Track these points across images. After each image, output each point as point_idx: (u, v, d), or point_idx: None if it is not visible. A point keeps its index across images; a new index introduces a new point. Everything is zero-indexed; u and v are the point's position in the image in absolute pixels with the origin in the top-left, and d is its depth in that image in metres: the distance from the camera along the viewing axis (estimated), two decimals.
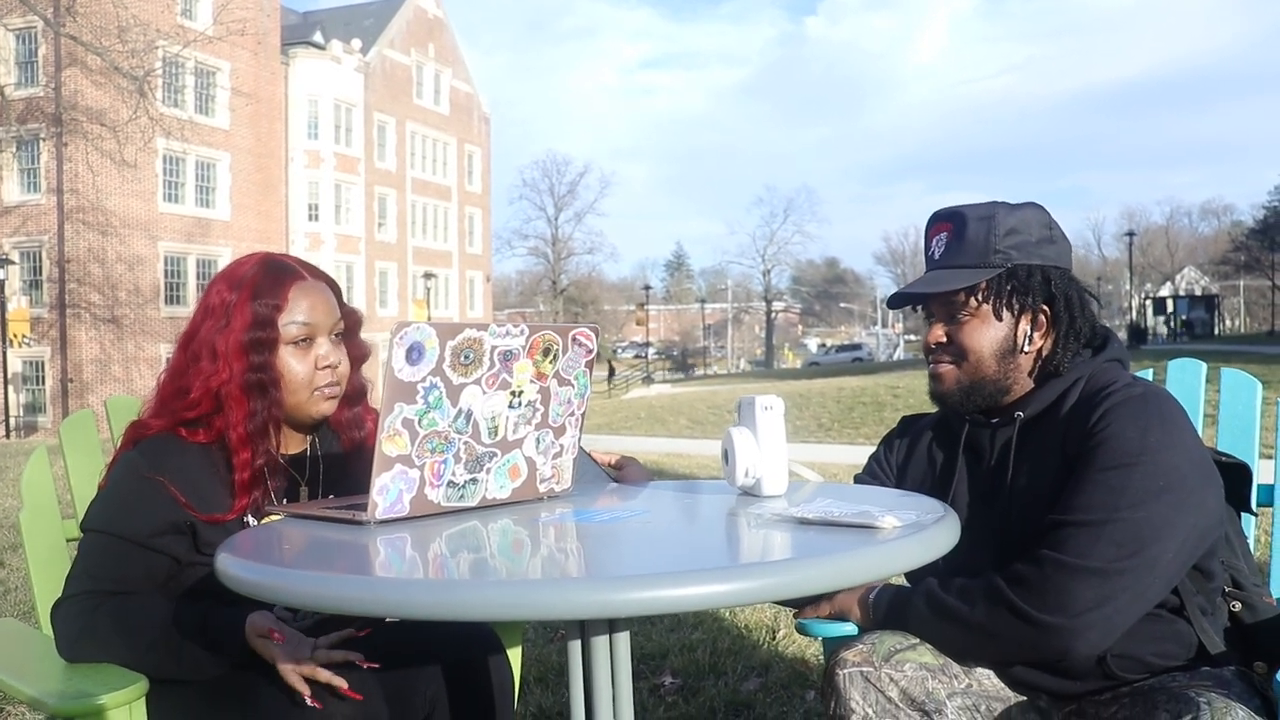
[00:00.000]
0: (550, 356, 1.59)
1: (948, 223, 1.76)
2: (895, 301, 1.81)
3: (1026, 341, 1.71)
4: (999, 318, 1.71)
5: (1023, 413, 1.71)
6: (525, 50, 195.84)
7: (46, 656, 1.70)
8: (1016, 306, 1.71)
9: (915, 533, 1.26)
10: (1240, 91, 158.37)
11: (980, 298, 1.71)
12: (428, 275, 42.69)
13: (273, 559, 1.31)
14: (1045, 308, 1.71)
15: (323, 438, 1.92)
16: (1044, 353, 1.73)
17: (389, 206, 42.14)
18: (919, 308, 1.80)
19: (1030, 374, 1.73)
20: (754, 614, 4.21)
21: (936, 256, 1.77)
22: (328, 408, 1.82)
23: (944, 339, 1.75)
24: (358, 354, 1.89)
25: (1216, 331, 52.26)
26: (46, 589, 1.90)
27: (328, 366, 1.79)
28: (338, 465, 1.92)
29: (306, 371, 1.77)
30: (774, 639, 3.88)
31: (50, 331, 28.55)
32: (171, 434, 1.74)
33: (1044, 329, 1.72)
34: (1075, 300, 1.72)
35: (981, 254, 1.71)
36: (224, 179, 33.20)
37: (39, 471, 1.96)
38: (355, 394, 1.91)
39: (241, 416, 1.72)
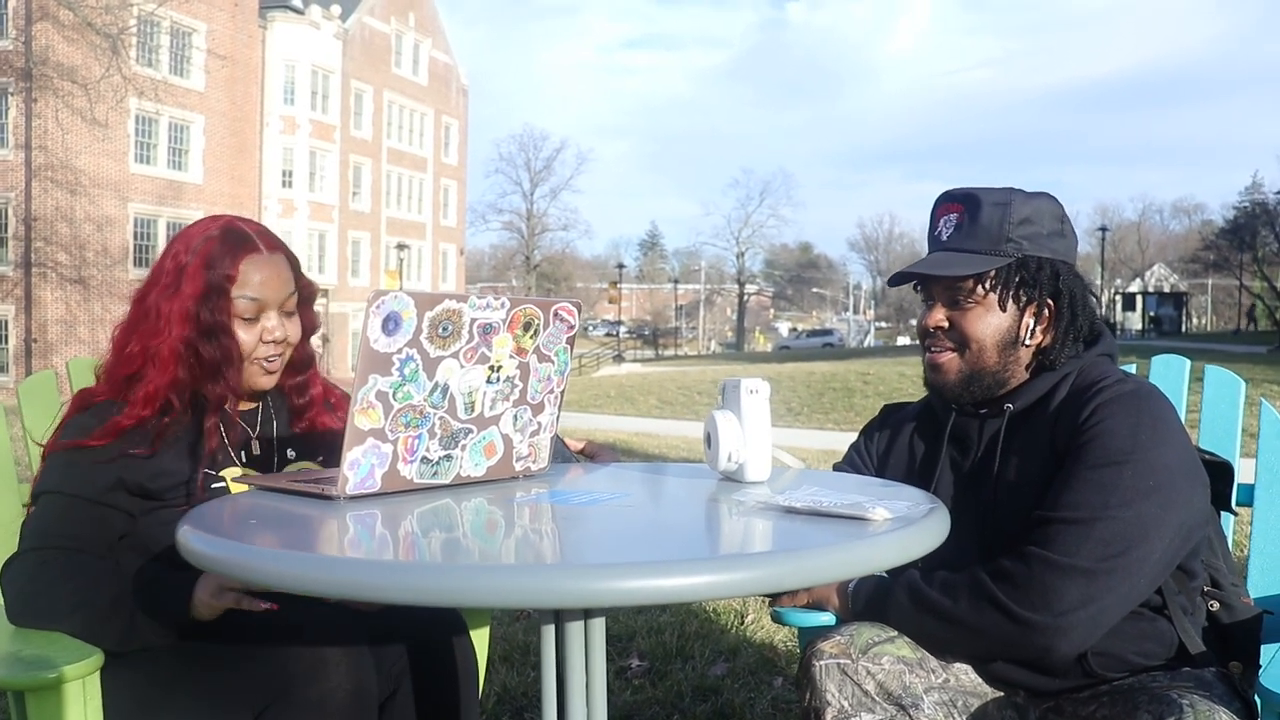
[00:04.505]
0: (531, 331, 1.55)
1: (959, 204, 1.72)
2: (897, 280, 1.78)
3: (1028, 335, 1.68)
4: (1003, 308, 1.68)
5: (1012, 404, 1.69)
6: (506, 24, 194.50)
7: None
8: (1023, 299, 1.67)
9: (907, 525, 1.23)
10: (1213, 94, 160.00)
11: (988, 286, 1.67)
12: (401, 246, 42.43)
13: (238, 535, 1.27)
14: (1050, 302, 1.68)
15: (274, 397, 1.93)
16: (1042, 346, 1.70)
17: (364, 175, 41.79)
18: (918, 288, 1.77)
19: (1027, 367, 1.71)
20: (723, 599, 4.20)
21: (944, 238, 1.73)
22: (266, 382, 1.82)
23: (945, 324, 1.71)
24: (307, 324, 1.90)
25: (1184, 329, 52.84)
26: (4, 553, 1.84)
27: (272, 340, 1.79)
28: (289, 423, 1.93)
29: (250, 342, 1.78)
30: (742, 624, 3.86)
31: (15, 290, 28.14)
32: (116, 402, 1.73)
33: (1046, 324, 1.69)
34: (1079, 298, 1.69)
35: (993, 241, 1.67)
36: (197, 141, 32.79)
37: None
38: (301, 362, 1.92)
39: (162, 380, 1.72)
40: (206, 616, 1.58)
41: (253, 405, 1.89)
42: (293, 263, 1.85)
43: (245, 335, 1.77)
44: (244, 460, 1.82)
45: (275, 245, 1.82)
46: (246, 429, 1.86)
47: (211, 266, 1.73)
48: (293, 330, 1.83)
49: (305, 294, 1.87)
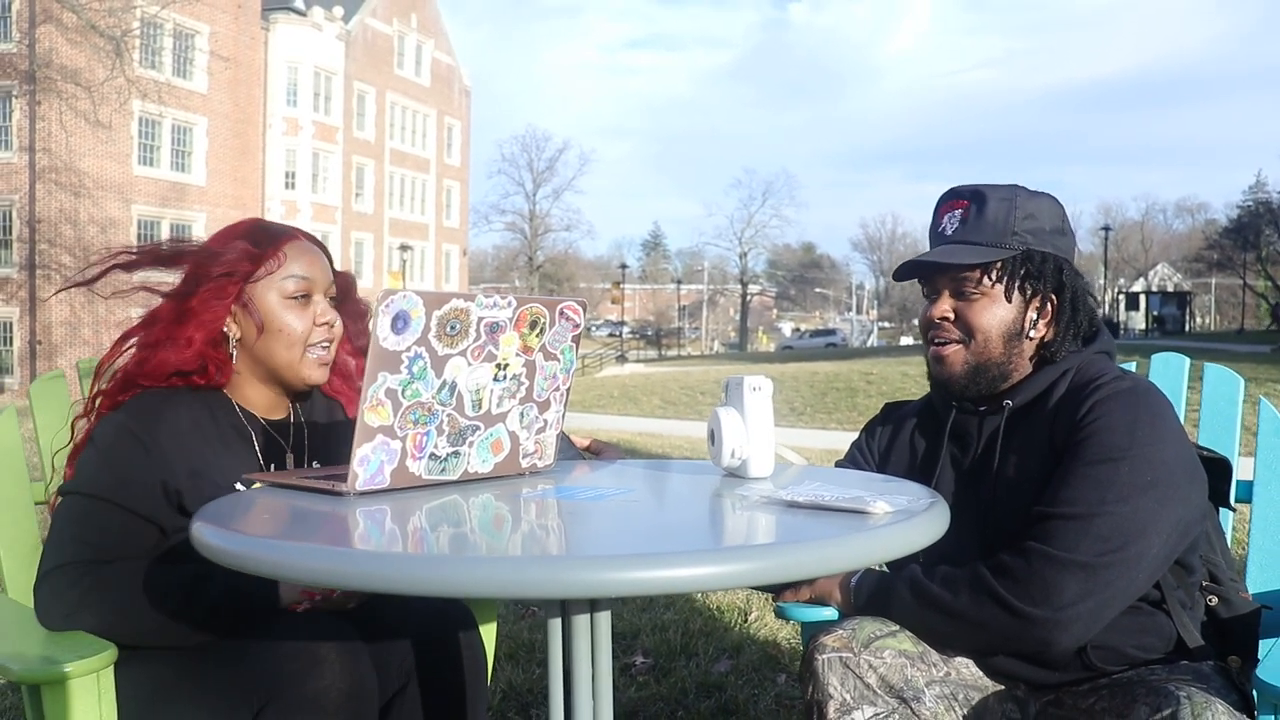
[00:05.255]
0: (537, 330, 1.57)
1: (966, 200, 1.74)
2: (904, 271, 1.79)
3: (1032, 328, 1.71)
4: (1008, 299, 1.70)
5: (1011, 401, 1.71)
6: (508, 24, 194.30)
7: (12, 621, 1.67)
8: (1028, 290, 1.70)
9: (908, 519, 1.25)
10: (1216, 93, 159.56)
11: (994, 276, 1.70)
12: (404, 247, 42.42)
13: (250, 528, 1.29)
14: (1053, 296, 1.71)
15: (307, 404, 1.92)
16: (1044, 340, 1.72)
17: (367, 177, 41.78)
18: (922, 283, 1.79)
19: (1030, 359, 1.73)
20: (726, 596, 4.21)
21: (949, 232, 1.75)
22: (319, 375, 1.81)
23: (950, 315, 1.73)
24: (357, 310, 1.91)
25: (1187, 328, 52.75)
26: (14, 553, 1.86)
27: (325, 324, 1.79)
28: (322, 431, 1.91)
29: (305, 327, 1.77)
30: (746, 621, 3.88)
31: (19, 292, 28.14)
32: (160, 389, 1.73)
33: (1048, 317, 1.71)
34: (1080, 294, 1.72)
35: (999, 234, 1.70)
36: (200, 143, 32.78)
37: (7, 432, 1.92)
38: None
39: (190, 351, 1.73)
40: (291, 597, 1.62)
41: (282, 415, 1.87)
42: (329, 256, 1.86)
43: (297, 321, 1.77)
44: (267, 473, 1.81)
45: (310, 237, 1.84)
46: (279, 440, 1.85)
47: (255, 244, 1.75)
48: (337, 319, 1.83)
49: (345, 284, 1.88)
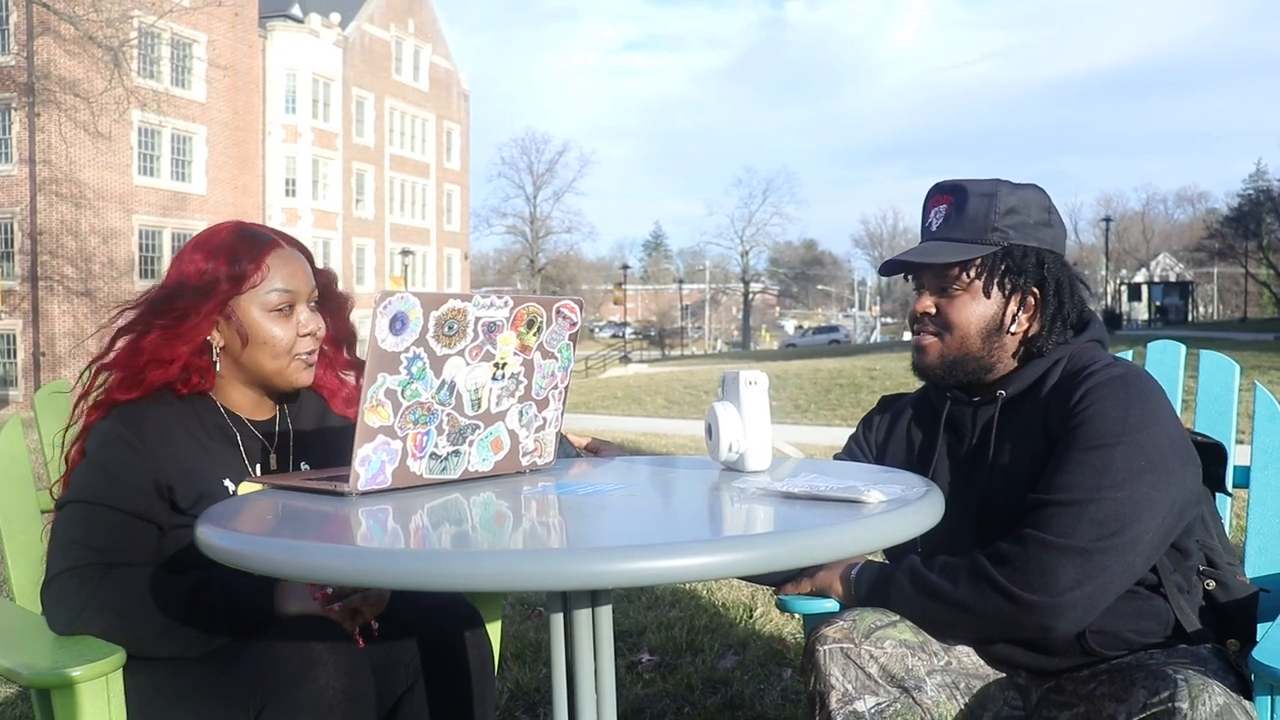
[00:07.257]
0: (534, 329, 1.58)
1: (948, 195, 1.76)
2: (887, 269, 1.81)
3: (1013, 322, 1.72)
4: (988, 295, 1.71)
5: (1005, 391, 1.72)
6: (507, 29, 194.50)
7: (19, 628, 1.68)
8: (1008, 286, 1.71)
9: (901, 507, 1.26)
10: (1216, 82, 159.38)
11: (973, 273, 1.71)
12: (405, 252, 42.48)
13: (255, 528, 1.30)
14: (1035, 290, 1.72)
15: (293, 405, 1.94)
16: (1029, 334, 1.73)
17: (367, 182, 41.82)
18: (909, 277, 1.81)
19: (1014, 354, 1.74)
20: (731, 592, 4.22)
21: (934, 228, 1.77)
22: (306, 377, 1.83)
23: (932, 310, 1.75)
24: (337, 304, 1.93)
25: (1190, 318, 52.69)
26: (22, 561, 1.87)
27: (309, 334, 1.81)
28: (310, 433, 1.93)
29: (289, 338, 1.79)
30: (751, 617, 3.89)
31: (22, 304, 28.16)
32: (143, 400, 1.74)
33: (1032, 311, 1.73)
34: (1065, 286, 1.72)
35: (979, 230, 1.71)
36: (200, 152, 32.81)
37: (13, 441, 1.93)
38: (348, 338, 1.97)
39: (176, 368, 1.75)
40: (295, 610, 1.62)
41: (270, 415, 1.89)
42: (309, 257, 1.87)
43: (282, 331, 1.78)
44: (260, 474, 1.83)
45: (292, 241, 1.85)
46: (264, 441, 1.86)
47: (236, 263, 1.75)
48: (321, 325, 1.85)
49: (327, 280, 1.89)
